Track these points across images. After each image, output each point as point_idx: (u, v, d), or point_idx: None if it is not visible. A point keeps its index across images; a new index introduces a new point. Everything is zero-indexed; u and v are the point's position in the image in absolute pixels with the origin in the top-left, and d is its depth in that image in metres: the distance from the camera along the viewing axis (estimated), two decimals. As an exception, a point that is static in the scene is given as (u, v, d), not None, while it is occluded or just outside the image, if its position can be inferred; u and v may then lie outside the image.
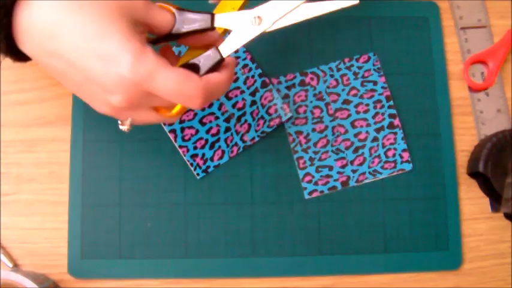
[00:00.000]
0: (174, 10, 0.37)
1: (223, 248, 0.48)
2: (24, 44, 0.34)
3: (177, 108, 0.38)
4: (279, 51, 0.52)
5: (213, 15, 0.37)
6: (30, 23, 0.32)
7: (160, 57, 0.34)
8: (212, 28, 0.38)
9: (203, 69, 0.36)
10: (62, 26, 0.32)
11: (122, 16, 0.33)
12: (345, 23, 0.53)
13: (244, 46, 0.37)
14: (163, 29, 0.37)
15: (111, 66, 0.32)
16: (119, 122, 0.38)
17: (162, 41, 0.39)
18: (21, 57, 0.36)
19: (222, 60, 0.37)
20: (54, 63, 0.34)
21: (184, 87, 0.34)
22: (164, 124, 0.50)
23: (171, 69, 0.33)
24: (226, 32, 0.39)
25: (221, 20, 0.37)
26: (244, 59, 0.51)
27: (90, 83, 0.34)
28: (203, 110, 0.50)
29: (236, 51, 0.42)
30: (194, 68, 0.36)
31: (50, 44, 0.33)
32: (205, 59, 0.36)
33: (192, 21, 0.37)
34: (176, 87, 0.33)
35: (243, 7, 0.41)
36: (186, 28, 0.37)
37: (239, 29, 0.37)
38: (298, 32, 0.53)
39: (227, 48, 0.37)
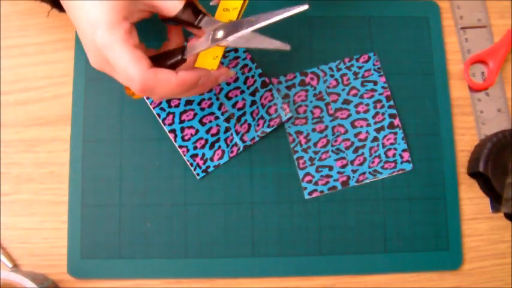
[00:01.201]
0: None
1: (223, 248, 0.48)
2: None
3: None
4: (279, 51, 0.52)
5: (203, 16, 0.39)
6: None
7: (128, 35, 0.36)
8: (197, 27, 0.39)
9: (162, 63, 0.38)
10: None
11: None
12: (345, 23, 0.53)
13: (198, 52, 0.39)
14: (166, 14, 0.39)
15: (91, 30, 0.36)
16: None
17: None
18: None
19: (181, 60, 0.38)
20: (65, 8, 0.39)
21: (128, 70, 0.36)
22: (164, 124, 0.50)
23: (129, 49, 0.36)
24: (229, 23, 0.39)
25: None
26: (244, 58, 0.51)
27: (80, 32, 0.38)
28: (202, 109, 0.50)
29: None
30: (164, 58, 0.38)
31: None
32: (171, 54, 0.38)
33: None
34: (122, 66, 0.36)
35: (243, 10, 0.41)
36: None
37: (203, 39, 0.39)
38: (298, 32, 0.53)
39: (192, 48, 0.38)
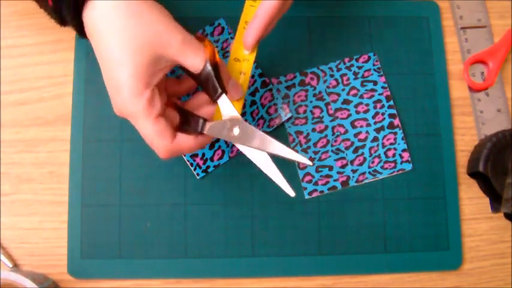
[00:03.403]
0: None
1: (223, 248, 0.48)
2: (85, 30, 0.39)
3: None
4: (279, 51, 0.52)
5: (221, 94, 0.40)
6: (87, 18, 0.38)
7: (151, 106, 0.37)
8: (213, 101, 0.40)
9: (184, 128, 0.40)
10: (101, 34, 0.37)
11: (146, 53, 0.37)
12: (345, 23, 0.53)
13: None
14: (190, 71, 0.39)
15: (115, 90, 0.37)
16: None
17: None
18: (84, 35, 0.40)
19: (200, 133, 0.40)
20: (93, 49, 0.39)
21: (154, 141, 0.38)
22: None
23: (151, 122, 0.38)
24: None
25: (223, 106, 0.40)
26: (244, 59, 0.51)
27: (106, 82, 0.39)
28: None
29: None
30: (187, 118, 0.40)
31: (91, 41, 0.39)
32: (195, 121, 0.40)
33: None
34: (148, 138, 0.38)
35: (251, 67, 0.43)
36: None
37: (220, 126, 0.40)
38: (298, 32, 0.53)
39: (211, 130, 0.40)
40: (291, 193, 0.39)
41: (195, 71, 0.38)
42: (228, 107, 0.40)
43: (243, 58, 0.42)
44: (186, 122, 0.40)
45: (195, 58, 0.38)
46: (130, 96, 0.37)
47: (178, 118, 0.40)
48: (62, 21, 0.40)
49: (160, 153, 0.39)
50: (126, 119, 0.39)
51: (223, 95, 0.39)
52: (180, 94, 0.43)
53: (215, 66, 0.38)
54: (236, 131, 0.40)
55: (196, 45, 0.38)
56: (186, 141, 0.39)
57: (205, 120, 0.40)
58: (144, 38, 0.36)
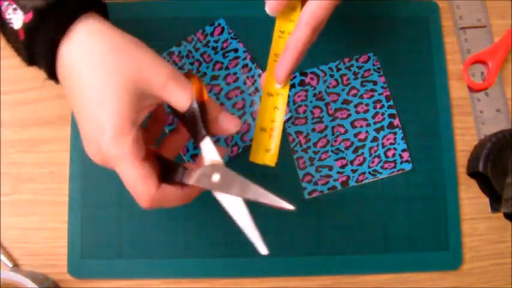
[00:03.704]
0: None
1: (223, 248, 0.48)
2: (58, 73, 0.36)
3: None
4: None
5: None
6: (64, 55, 0.35)
7: (136, 147, 0.34)
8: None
9: (168, 175, 0.36)
10: (80, 71, 0.34)
11: (130, 89, 0.34)
12: (345, 23, 0.53)
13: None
14: (176, 108, 0.36)
15: (96, 132, 0.34)
16: None
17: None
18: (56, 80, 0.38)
19: (183, 185, 0.36)
20: (66, 91, 0.36)
21: (138, 187, 0.35)
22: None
23: (136, 166, 0.34)
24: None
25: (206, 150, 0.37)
26: (244, 58, 0.51)
27: (81, 126, 0.36)
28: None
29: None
30: (166, 167, 0.37)
31: (66, 81, 0.36)
32: (179, 172, 0.36)
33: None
34: (130, 184, 0.35)
35: (286, 102, 0.41)
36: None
37: (199, 173, 0.36)
38: (298, 32, 0.53)
39: (193, 178, 0.36)
40: (264, 250, 0.36)
41: (181, 110, 0.36)
42: (210, 151, 0.36)
43: (276, 92, 0.40)
44: (166, 171, 0.37)
45: (181, 95, 0.35)
46: (115, 136, 0.33)
47: (158, 166, 0.36)
48: (31, 59, 0.36)
49: (143, 202, 0.35)
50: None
51: (207, 138, 0.36)
52: (149, 142, 0.40)
53: (202, 105, 0.36)
54: (216, 177, 0.36)
55: (183, 81, 0.36)
56: (171, 192, 0.36)
57: (185, 168, 0.36)
58: (128, 73, 0.34)
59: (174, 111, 0.38)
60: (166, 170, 0.37)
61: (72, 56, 0.35)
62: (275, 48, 0.41)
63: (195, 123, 0.36)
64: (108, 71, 0.34)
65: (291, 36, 0.39)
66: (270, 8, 0.40)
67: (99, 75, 0.34)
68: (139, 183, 0.35)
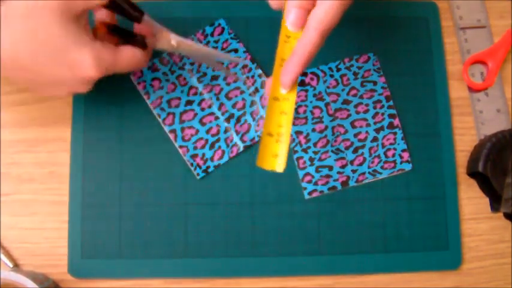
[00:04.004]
0: None
1: (223, 248, 0.48)
2: None
3: None
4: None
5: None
6: None
7: (94, 35, 0.41)
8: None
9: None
10: (25, 50, 0.38)
11: (69, 22, 0.38)
12: (345, 23, 0.53)
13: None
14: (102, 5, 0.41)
15: (77, 71, 0.39)
16: None
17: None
18: None
19: (143, 46, 0.43)
20: (18, 75, 0.41)
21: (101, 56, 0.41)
22: (164, 124, 0.50)
23: (105, 49, 0.41)
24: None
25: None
26: (245, 59, 0.51)
27: (57, 84, 0.41)
28: (202, 110, 0.50)
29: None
30: (129, 36, 0.44)
31: (15, 63, 0.39)
32: (138, 38, 0.44)
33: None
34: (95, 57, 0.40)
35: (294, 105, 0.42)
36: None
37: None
38: (298, 32, 0.53)
39: (155, 42, 0.44)
40: (239, 59, 0.45)
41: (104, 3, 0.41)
42: (156, 25, 0.43)
43: (283, 97, 0.40)
44: (125, 40, 0.43)
45: None
46: (93, 61, 0.39)
47: (116, 36, 0.43)
48: None
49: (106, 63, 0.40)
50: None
51: (145, 16, 0.42)
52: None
53: None
54: (174, 42, 0.44)
55: None
56: (129, 51, 0.42)
57: (141, 35, 0.43)
58: (56, 19, 0.38)
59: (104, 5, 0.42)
60: (126, 39, 0.43)
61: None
62: (280, 53, 0.41)
63: (122, 8, 0.42)
64: (43, 29, 0.37)
65: (299, 41, 0.39)
66: (293, 20, 0.40)
67: (41, 37, 0.38)
68: (101, 51, 0.40)
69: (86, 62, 0.39)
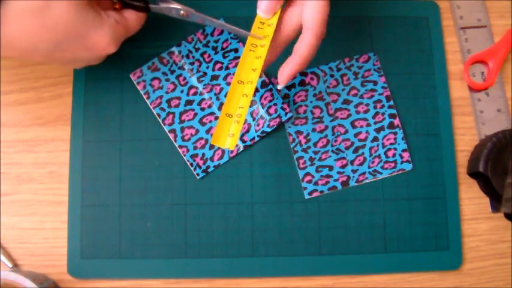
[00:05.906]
0: None
1: (223, 248, 0.48)
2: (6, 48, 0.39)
3: None
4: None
5: None
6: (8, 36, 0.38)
7: (109, 11, 0.42)
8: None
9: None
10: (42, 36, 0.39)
11: (84, 7, 0.39)
12: (345, 23, 0.53)
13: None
14: None
15: (96, 51, 0.42)
16: None
17: None
18: None
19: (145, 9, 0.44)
20: (37, 60, 0.42)
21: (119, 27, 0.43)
22: (164, 124, 0.50)
23: (117, 21, 0.42)
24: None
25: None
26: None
27: (75, 61, 0.43)
28: (202, 109, 0.50)
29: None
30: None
31: (35, 54, 0.40)
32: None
33: None
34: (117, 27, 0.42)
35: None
36: None
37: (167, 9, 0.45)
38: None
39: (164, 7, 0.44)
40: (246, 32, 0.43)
41: None
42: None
43: (247, 80, 0.42)
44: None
45: None
46: (111, 40, 0.41)
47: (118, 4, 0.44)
48: None
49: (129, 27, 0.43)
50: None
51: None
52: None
53: None
54: (180, 11, 0.44)
55: None
56: (134, 16, 0.43)
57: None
58: (75, 8, 0.39)
59: None
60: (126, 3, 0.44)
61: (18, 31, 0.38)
62: (251, 39, 0.43)
63: None
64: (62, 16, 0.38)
65: (299, 42, 0.42)
66: (265, 9, 0.43)
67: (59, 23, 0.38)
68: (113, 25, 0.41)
69: (104, 41, 0.41)
